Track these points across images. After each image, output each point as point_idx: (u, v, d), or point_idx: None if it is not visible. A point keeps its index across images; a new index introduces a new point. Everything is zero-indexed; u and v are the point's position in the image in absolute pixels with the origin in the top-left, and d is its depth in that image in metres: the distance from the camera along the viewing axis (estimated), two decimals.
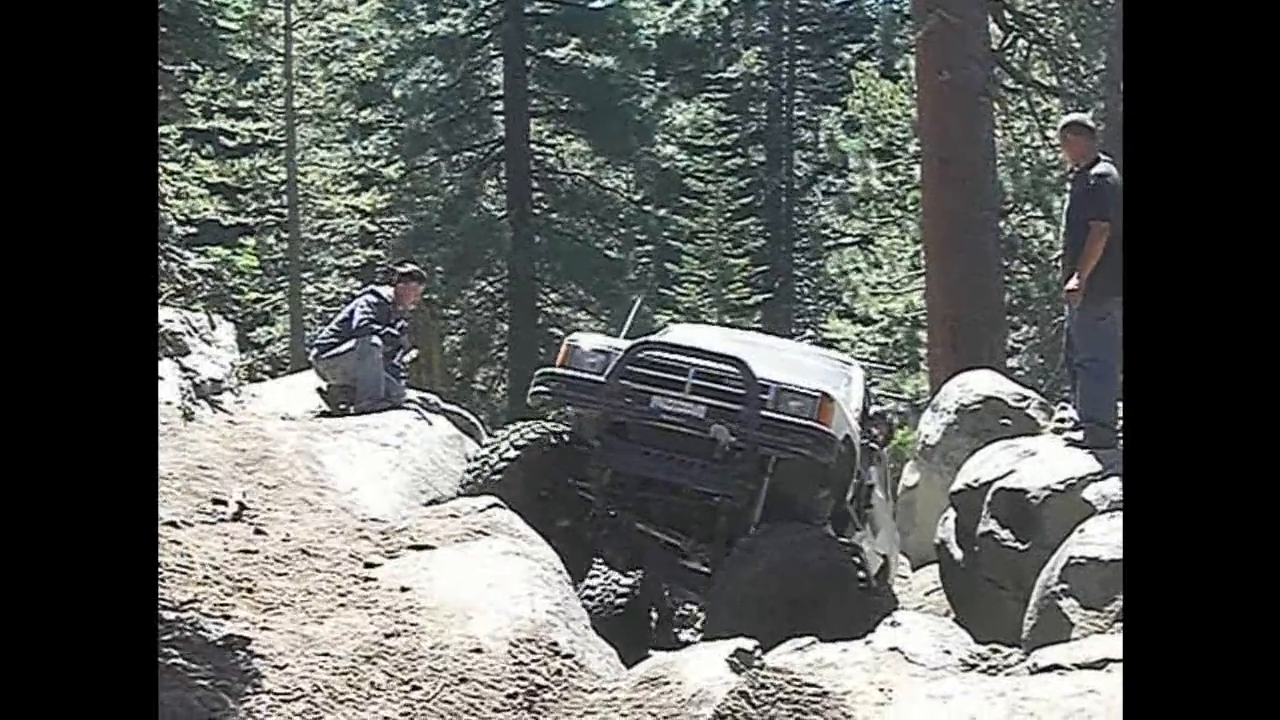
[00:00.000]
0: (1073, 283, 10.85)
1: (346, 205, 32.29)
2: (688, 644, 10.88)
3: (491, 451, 11.29)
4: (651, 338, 11.63)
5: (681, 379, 10.98)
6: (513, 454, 11.17)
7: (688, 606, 13.77)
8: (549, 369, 11.57)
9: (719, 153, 35.46)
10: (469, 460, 11.71)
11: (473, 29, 34.91)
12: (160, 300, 8.35)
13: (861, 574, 12.46)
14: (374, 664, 7.37)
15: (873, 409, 13.43)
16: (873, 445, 12.49)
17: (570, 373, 11.31)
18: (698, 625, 13.60)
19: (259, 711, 6.82)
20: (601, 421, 11.34)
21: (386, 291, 14.03)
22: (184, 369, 8.85)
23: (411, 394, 13.91)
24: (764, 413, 10.73)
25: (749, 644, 7.80)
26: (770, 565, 10.38)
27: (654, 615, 13.29)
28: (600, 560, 12.18)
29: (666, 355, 11.25)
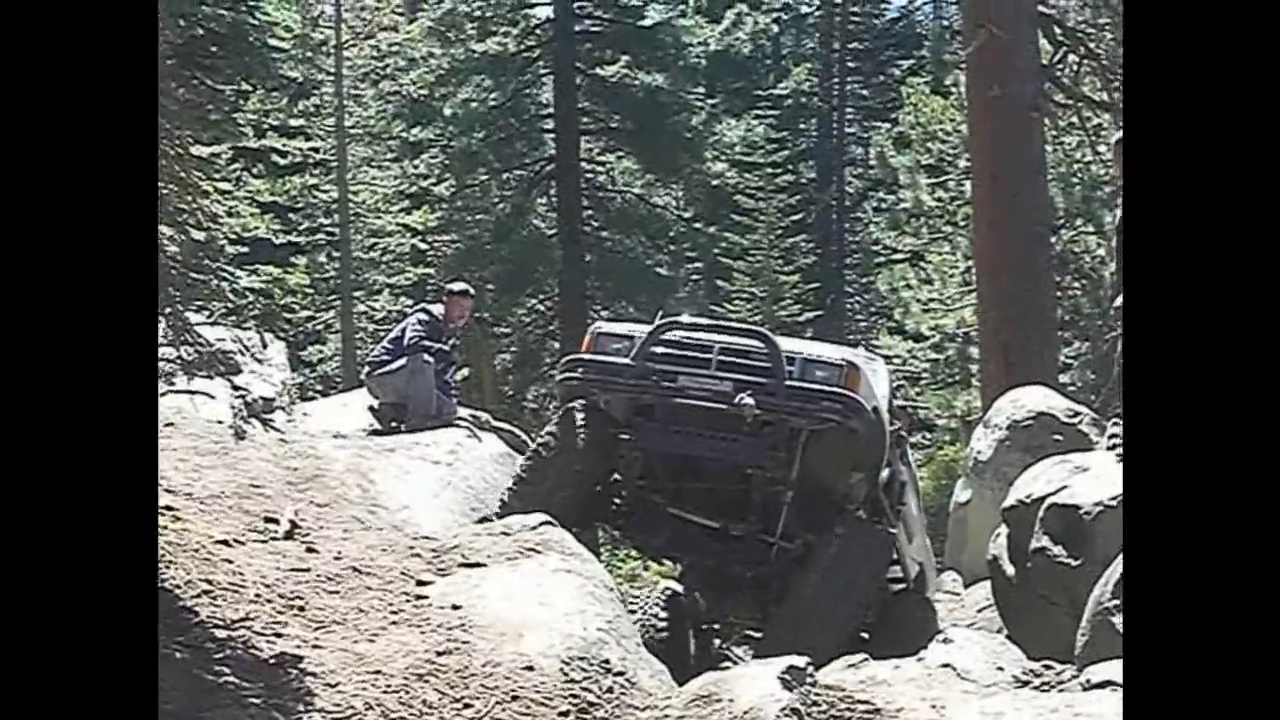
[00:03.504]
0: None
1: (397, 224, 32.38)
2: (725, 661, 10.79)
3: (541, 448, 11.31)
4: (675, 318, 11.61)
5: (707, 356, 10.94)
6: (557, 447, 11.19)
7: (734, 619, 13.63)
8: (575, 355, 11.58)
9: (769, 170, 35.35)
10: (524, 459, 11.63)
11: (523, 47, 34.96)
12: (211, 319, 8.39)
13: (899, 569, 12.48)
14: (426, 682, 7.38)
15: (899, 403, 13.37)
16: (902, 434, 12.40)
17: (597, 358, 11.29)
18: (736, 644, 13.52)
19: None
20: (629, 405, 11.31)
21: (437, 309, 14.08)
22: (235, 388, 8.87)
23: (463, 412, 13.93)
24: (790, 383, 10.70)
25: (800, 661, 7.77)
26: (826, 575, 10.45)
27: (692, 635, 13.11)
28: (630, 543, 12.07)
29: (691, 334, 11.23)
